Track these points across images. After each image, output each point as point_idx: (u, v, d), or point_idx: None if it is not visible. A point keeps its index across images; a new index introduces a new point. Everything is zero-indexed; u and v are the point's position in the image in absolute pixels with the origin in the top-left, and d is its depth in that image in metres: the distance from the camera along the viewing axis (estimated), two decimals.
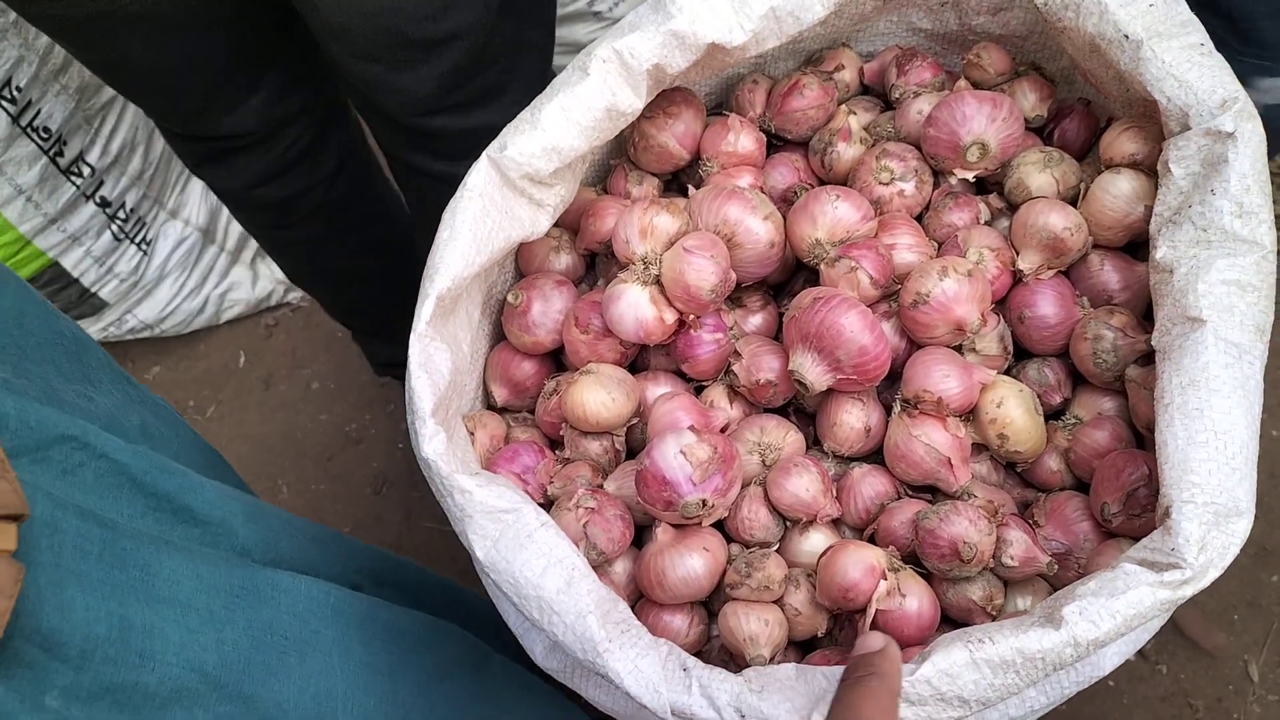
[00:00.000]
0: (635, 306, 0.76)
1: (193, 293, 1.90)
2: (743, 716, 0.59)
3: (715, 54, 0.76)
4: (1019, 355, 0.79)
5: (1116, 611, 0.58)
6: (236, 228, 1.94)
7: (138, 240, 1.78)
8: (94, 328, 1.85)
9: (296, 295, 2.00)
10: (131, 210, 1.75)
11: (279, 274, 1.99)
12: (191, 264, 1.88)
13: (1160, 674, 1.58)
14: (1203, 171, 0.68)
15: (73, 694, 0.54)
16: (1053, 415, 0.78)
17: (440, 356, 0.67)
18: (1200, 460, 0.61)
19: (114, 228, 1.73)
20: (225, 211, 1.92)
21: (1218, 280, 0.65)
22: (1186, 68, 0.68)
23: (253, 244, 1.97)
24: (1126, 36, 0.69)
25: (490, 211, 0.71)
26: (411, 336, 0.67)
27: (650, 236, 0.77)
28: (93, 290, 1.77)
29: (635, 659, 0.61)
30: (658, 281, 0.77)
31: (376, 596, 0.83)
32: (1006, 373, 0.78)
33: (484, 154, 0.72)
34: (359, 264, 1.46)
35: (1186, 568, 0.59)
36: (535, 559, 0.63)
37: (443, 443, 0.64)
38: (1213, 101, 0.67)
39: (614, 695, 0.69)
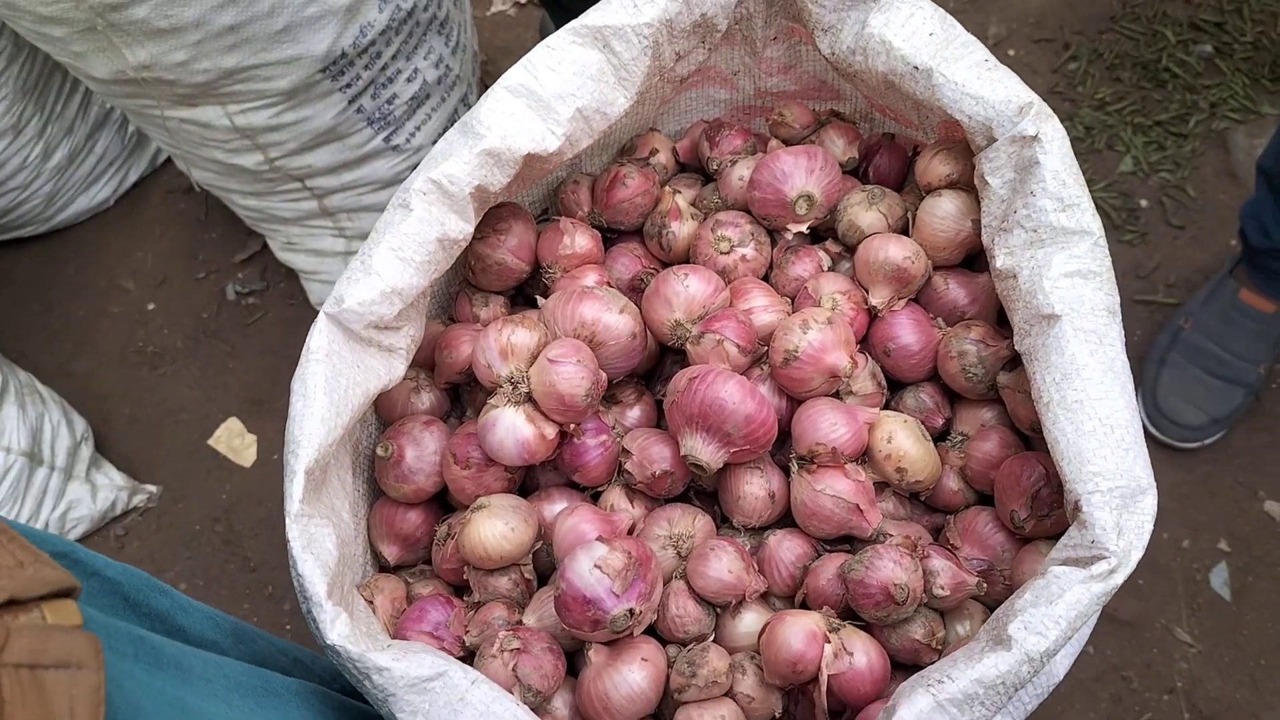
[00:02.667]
0: (513, 429, 0.74)
1: (31, 520, 1.77)
2: None
3: (534, 163, 0.75)
4: (893, 387, 0.80)
5: (1059, 617, 0.58)
6: (63, 443, 1.82)
7: None
8: None
9: (142, 498, 1.89)
10: None
11: (119, 480, 1.87)
12: (22, 491, 1.75)
13: (1088, 654, 1.61)
14: (1018, 177, 0.71)
15: None
16: (939, 437, 0.79)
17: (323, 534, 0.63)
18: (1094, 449, 0.62)
19: None
20: (47, 428, 1.80)
21: (1060, 274, 0.67)
22: (979, 84, 0.71)
23: (84, 455, 1.85)
24: (916, 68, 0.72)
25: (341, 370, 0.67)
26: (287, 520, 0.62)
27: (512, 355, 0.75)
28: None
29: None
30: (530, 399, 0.74)
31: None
32: (886, 406, 0.79)
33: (321, 312, 0.69)
34: None
35: (1111, 556, 0.60)
36: None
37: (346, 624, 0.60)
38: (1010, 110, 0.70)
39: None
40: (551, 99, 0.74)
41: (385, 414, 0.84)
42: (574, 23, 0.75)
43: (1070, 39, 2.12)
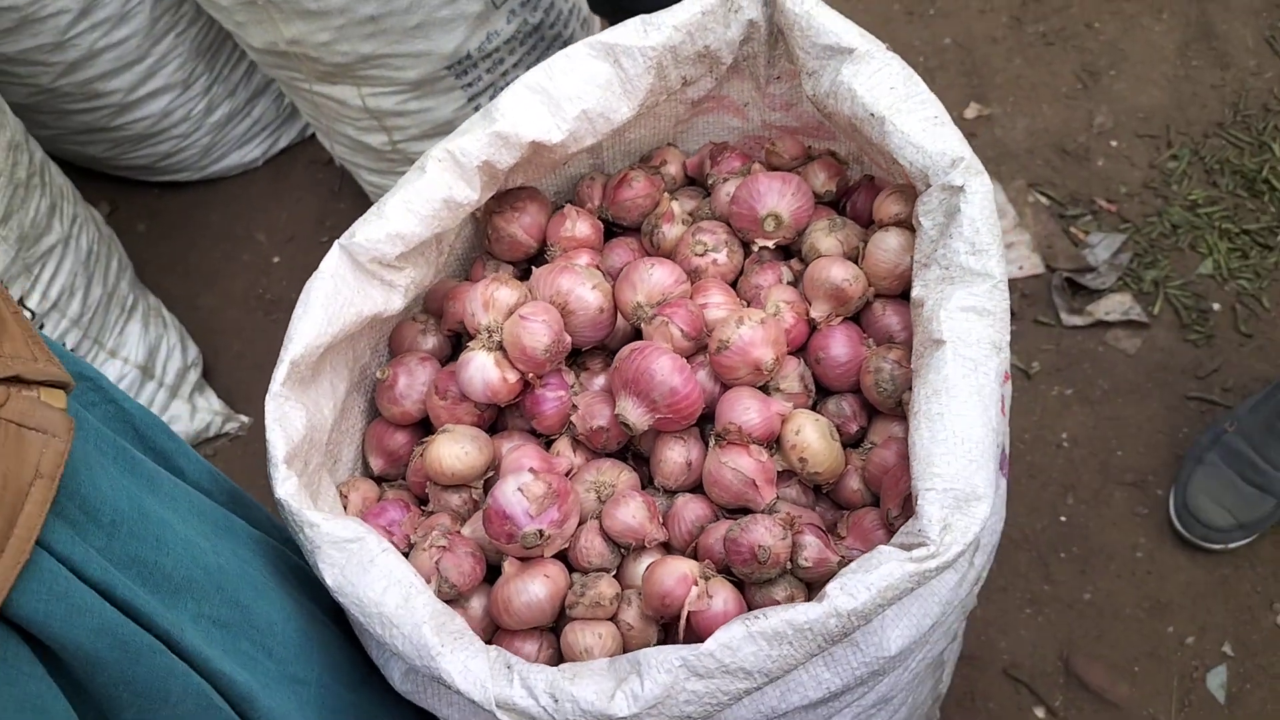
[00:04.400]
0: (482, 370, 0.87)
1: None
2: (555, 700, 0.68)
3: (540, 151, 0.88)
4: (821, 393, 0.90)
5: (871, 584, 0.68)
6: (174, 364, 2.04)
7: None
8: None
9: (234, 425, 2.10)
10: (71, 351, 1.85)
11: (216, 406, 2.09)
12: None
13: None
14: (945, 221, 0.80)
15: (107, 555, 0.61)
16: (854, 443, 0.89)
17: (295, 414, 0.78)
18: (940, 455, 0.71)
19: None
20: (163, 349, 2.03)
21: (956, 308, 0.77)
22: (922, 136, 0.81)
23: (190, 378, 2.08)
24: (873, 114, 0.83)
25: (341, 290, 0.82)
26: (267, 397, 0.77)
27: (492, 308, 0.88)
28: None
29: (465, 661, 0.70)
30: (501, 347, 0.87)
31: None
32: (811, 409, 0.89)
33: (335, 242, 0.84)
34: None
35: (930, 544, 0.69)
36: (377, 580, 0.72)
37: (295, 486, 0.74)
38: (944, 162, 0.80)
39: (458, 706, 0.77)
40: (562, 99, 0.87)
41: (395, 347, 0.99)
42: (592, 38, 0.88)
43: (1174, 138, 2.15)
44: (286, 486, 0.74)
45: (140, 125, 2.20)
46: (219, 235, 2.40)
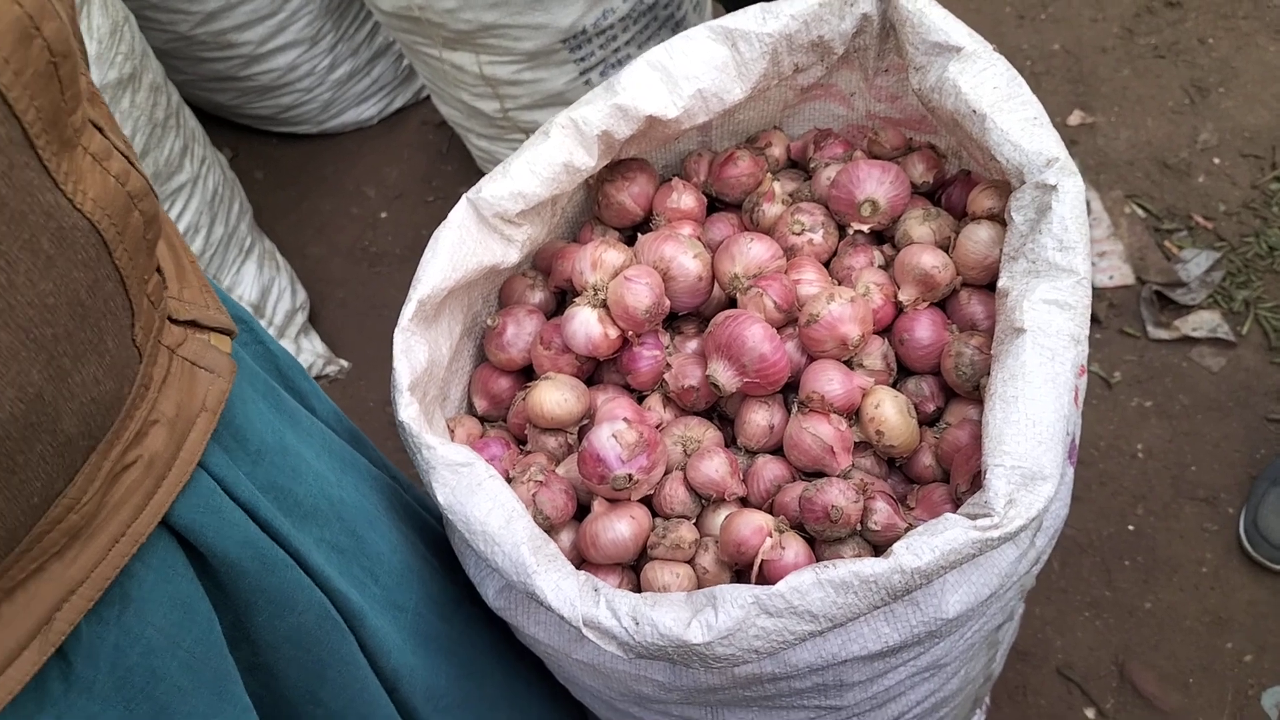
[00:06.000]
0: (586, 324, 0.94)
1: None
2: (636, 623, 0.74)
3: (655, 125, 0.95)
4: (902, 373, 0.95)
5: (935, 547, 0.73)
6: (284, 305, 2.15)
7: None
8: None
9: (334, 368, 2.20)
10: None
11: (320, 348, 2.20)
12: None
13: None
14: (1036, 217, 0.85)
15: (252, 479, 0.70)
16: (930, 422, 0.94)
17: (419, 348, 0.85)
18: (1011, 435, 0.76)
19: None
20: (275, 290, 2.14)
21: (1039, 299, 0.81)
22: (1020, 135, 0.86)
23: (297, 320, 2.19)
24: (975, 111, 0.87)
25: (465, 240, 0.89)
26: (396, 331, 0.85)
27: (599, 268, 0.94)
28: None
29: (558, 581, 0.77)
30: (604, 305, 0.94)
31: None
32: (892, 386, 0.94)
33: (463, 195, 0.91)
34: None
35: (996, 515, 0.74)
36: (483, 502, 0.79)
37: (416, 411, 0.82)
38: (1040, 161, 0.84)
39: (545, 625, 0.84)
40: (680, 77, 0.93)
41: (505, 299, 1.06)
42: (712, 22, 0.94)
43: (1279, 160, 2.14)
44: (409, 411, 0.82)
45: (267, 77, 2.31)
46: (331, 188, 2.51)
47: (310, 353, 2.19)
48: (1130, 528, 1.83)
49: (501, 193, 0.91)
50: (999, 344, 0.83)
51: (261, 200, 2.46)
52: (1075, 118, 2.28)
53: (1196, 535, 1.81)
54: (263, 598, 0.68)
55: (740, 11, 0.94)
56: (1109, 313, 2.04)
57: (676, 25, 2.05)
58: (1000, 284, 0.85)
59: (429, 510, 1.07)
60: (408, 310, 0.85)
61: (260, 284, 2.11)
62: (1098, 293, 2.05)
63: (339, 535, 0.78)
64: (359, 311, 2.31)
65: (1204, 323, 1.99)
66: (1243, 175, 2.14)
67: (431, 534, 0.99)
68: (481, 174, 2.38)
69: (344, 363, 2.22)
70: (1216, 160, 2.17)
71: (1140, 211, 2.14)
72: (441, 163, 2.49)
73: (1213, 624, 1.73)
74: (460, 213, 0.90)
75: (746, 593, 0.75)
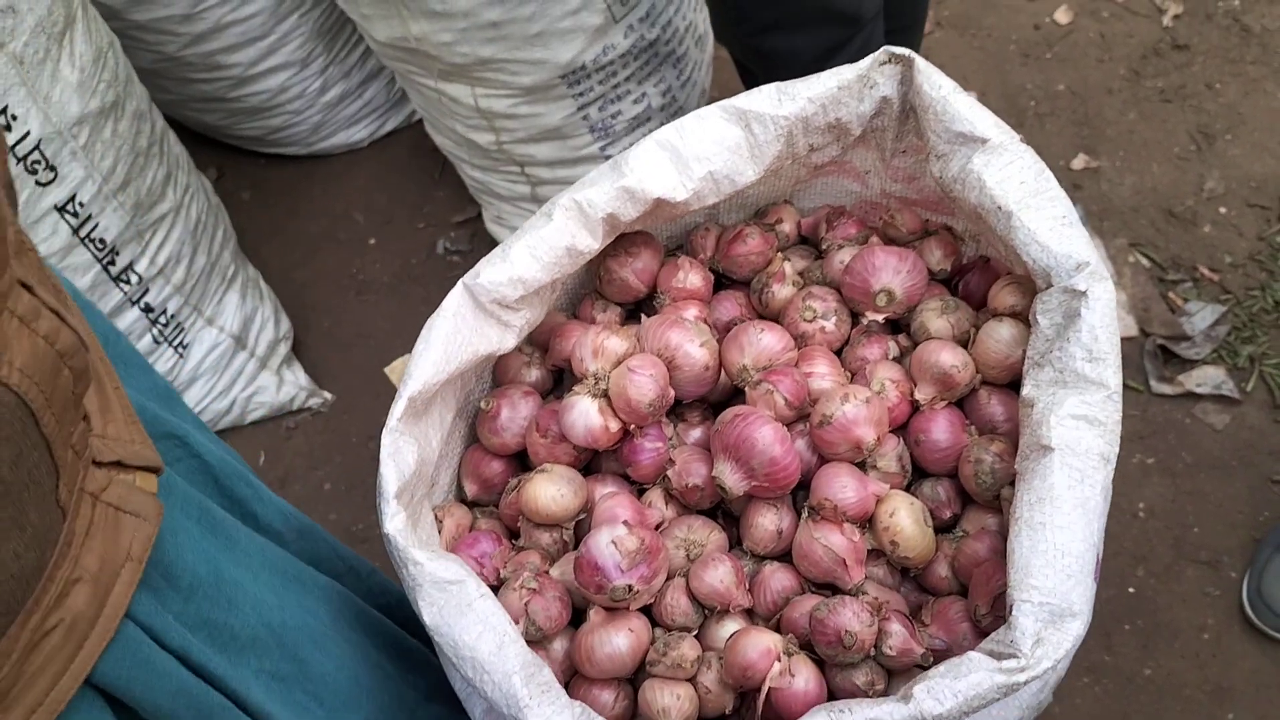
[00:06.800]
0: (585, 415, 0.89)
1: (221, 394, 2.05)
2: None
3: (663, 207, 0.90)
4: (917, 474, 0.91)
5: (959, 691, 0.68)
6: (266, 336, 2.09)
7: (175, 344, 1.94)
8: None
9: (317, 401, 2.15)
10: (172, 316, 1.91)
11: (303, 380, 2.14)
12: (223, 368, 2.03)
13: None
14: (1064, 322, 0.80)
15: (182, 620, 0.66)
16: (945, 528, 0.89)
17: (408, 449, 0.80)
18: (1040, 567, 0.72)
19: (154, 332, 1.89)
20: (257, 320, 2.08)
21: (1068, 415, 0.77)
22: (1049, 236, 0.81)
23: (280, 351, 2.13)
24: (1000, 208, 0.83)
25: (461, 329, 0.84)
26: (384, 431, 0.79)
27: (601, 356, 0.89)
28: None
29: (551, 715, 0.72)
30: (605, 395, 0.89)
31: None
32: (906, 489, 0.89)
33: (460, 281, 0.86)
34: None
35: (1022, 658, 0.69)
36: (473, 625, 0.74)
37: (403, 521, 0.76)
38: (1069, 265, 0.80)
39: None
40: (690, 158, 0.88)
41: (500, 377, 1.01)
42: (726, 101, 0.89)
43: None
44: (395, 523, 0.76)
45: (256, 99, 2.25)
46: (319, 211, 2.45)
47: (293, 384, 2.13)
48: (1131, 590, 1.79)
49: (500, 279, 0.85)
50: (1024, 459, 0.78)
51: (247, 222, 2.40)
52: (1079, 162, 2.24)
53: (1198, 600, 1.77)
54: None
55: (755, 91, 0.89)
56: None
57: (678, 61, 2.00)
58: (1025, 392, 0.81)
59: (390, 595, 1.02)
60: (396, 409, 0.80)
61: (243, 314, 2.05)
62: None
63: (280, 663, 0.75)
64: (344, 342, 2.25)
65: (1208, 378, 1.95)
66: (1249, 226, 2.11)
67: (388, 635, 0.94)
68: (474, 203, 2.33)
69: (327, 395, 2.16)
70: (1223, 209, 2.13)
71: (1144, 261, 2.10)
72: (434, 189, 2.44)
73: (1214, 693, 1.69)
74: (456, 300, 0.85)
75: None
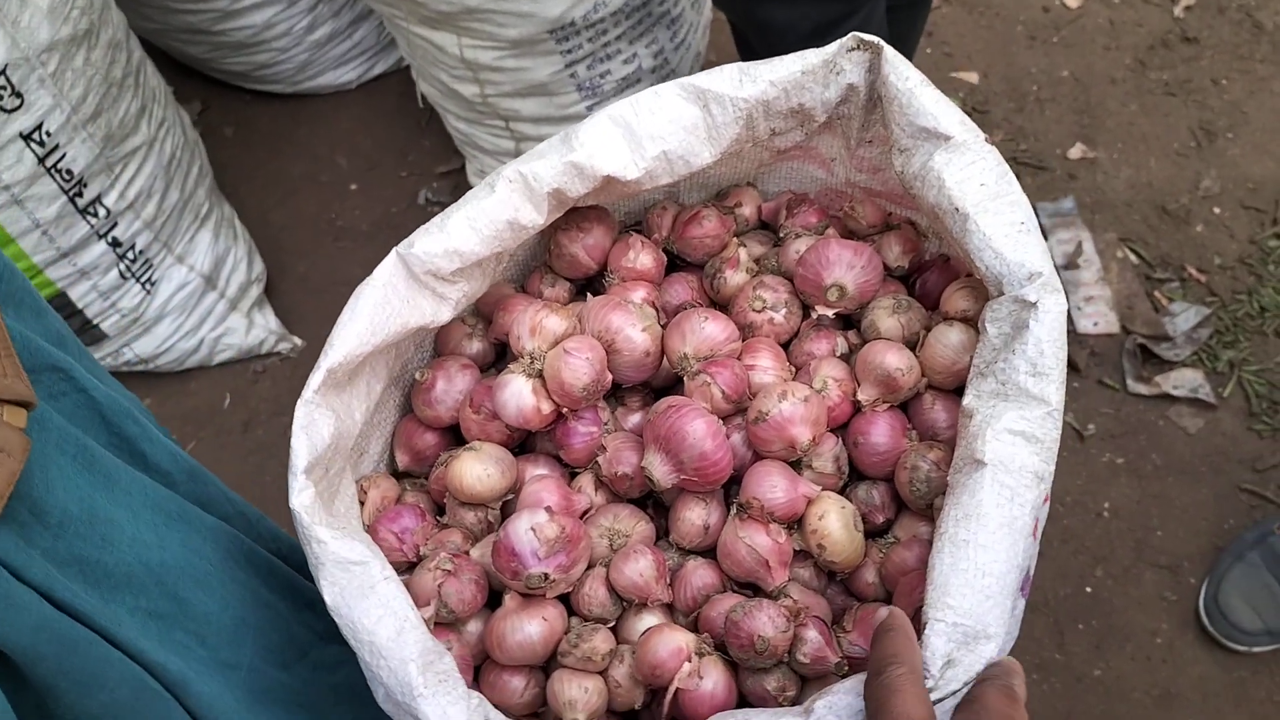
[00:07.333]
0: (518, 395, 0.86)
1: (189, 334, 2.03)
2: None
3: (613, 184, 0.87)
4: (855, 476, 0.88)
5: (859, 711, 0.66)
6: (238, 277, 2.07)
7: (143, 280, 1.91)
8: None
9: (286, 346, 2.12)
10: (140, 252, 1.88)
11: (273, 324, 2.11)
12: (191, 307, 2.01)
13: None
14: (1011, 333, 0.78)
15: (50, 556, 0.65)
16: (878, 533, 0.87)
17: (323, 422, 0.78)
18: (958, 586, 0.69)
19: (121, 266, 1.86)
20: (230, 260, 2.05)
21: (1004, 429, 0.74)
22: (1004, 242, 0.78)
23: (252, 293, 2.10)
24: (957, 209, 0.79)
25: (391, 300, 0.81)
26: (299, 403, 0.77)
27: (538, 335, 0.87)
28: (95, 322, 1.89)
29: (445, 706, 0.70)
30: (540, 375, 0.87)
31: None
32: (841, 491, 0.87)
33: (393, 250, 0.83)
34: None
35: (930, 679, 0.67)
36: (374, 608, 0.72)
37: (310, 497, 0.74)
38: (1021, 274, 0.77)
39: None
40: (644, 136, 0.85)
41: (440, 347, 0.98)
42: (684, 79, 0.86)
43: None
44: (301, 498, 0.74)
45: (241, 33, 2.20)
46: (302, 152, 2.41)
47: (263, 328, 2.11)
48: (1088, 590, 1.79)
49: (436, 250, 0.82)
50: (956, 472, 0.76)
51: (228, 159, 2.36)
52: (1077, 151, 2.20)
53: (1154, 603, 1.77)
54: (65, 680, 0.63)
55: (716, 71, 0.86)
56: (1090, 361, 1.97)
57: (672, 23, 1.96)
58: (965, 402, 0.78)
59: (281, 542, 1.00)
60: (313, 380, 0.78)
61: (215, 253, 2.02)
62: (1080, 339, 1.99)
63: (158, 601, 0.73)
64: (318, 287, 2.22)
65: (1185, 381, 1.93)
66: (1242, 228, 2.07)
67: (281, 577, 0.93)
68: (459, 155, 2.29)
69: (298, 340, 2.14)
70: (1216, 210, 2.10)
71: (1133, 257, 2.07)
72: (420, 137, 2.39)
73: (1161, 698, 1.69)
74: (388, 269, 0.82)
75: None
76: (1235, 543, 1.75)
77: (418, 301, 0.84)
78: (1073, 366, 1.96)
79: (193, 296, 1.99)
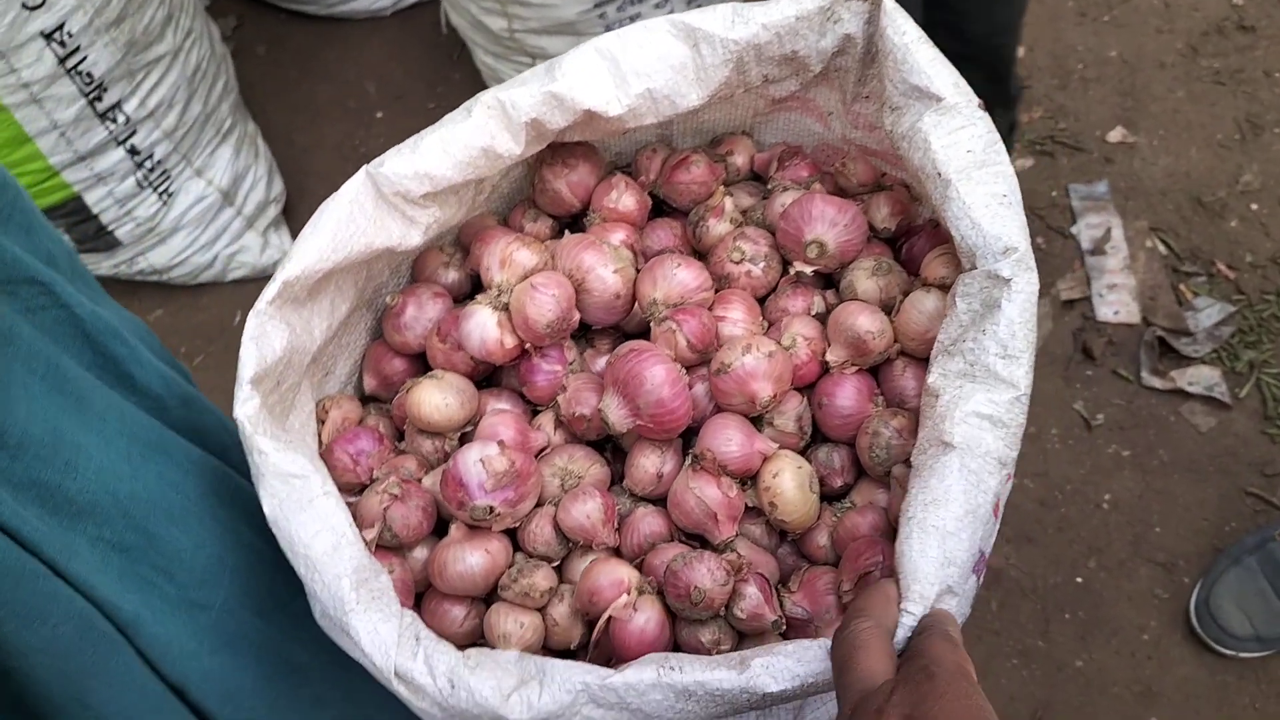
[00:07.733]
0: (482, 327, 0.85)
1: (204, 248, 2.03)
2: (452, 685, 0.68)
3: (595, 120, 0.85)
4: (818, 438, 0.87)
5: (797, 675, 0.65)
6: (256, 195, 2.07)
7: (160, 190, 1.91)
8: (106, 264, 1.98)
9: None
10: (159, 162, 1.88)
11: (288, 245, 2.11)
12: (207, 221, 2.01)
13: None
14: (981, 310, 0.75)
15: (6, 477, 0.63)
16: (835, 497, 0.85)
17: (276, 335, 0.77)
18: (926, 574, 0.67)
19: (139, 175, 1.86)
20: (249, 178, 2.05)
21: (972, 412, 0.72)
22: (982, 213, 0.75)
23: (269, 213, 2.10)
24: (940, 174, 0.77)
25: (357, 218, 0.80)
26: (250, 312, 0.76)
27: (508, 267, 0.86)
28: (109, 228, 1.90)
29: (376, 623, 0.70)
30: (506, 309, 0.85)
31: None
32: (802, 452, 0.85)
33: (363, 168, 0.82)
34: None
35: None
36: (311, 522, 0.72)
37: (255, 407, 0.74)
38: (997, 247, 0.74)
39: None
40: (629, 72, 0.83)
41: (417, 274, 0.97)
42: (676, 15, 0.83)
43: None
44: (245, 408, 0.74)
45: None
46: (331, 75, 2.40)
47: (278, 248, 2.11)
48: (1079, 580, 1.76)
49: (405, 170, 0.81)
50: (921, 453, 0.74)
51: (258, 77, 2.36)
52: (1116, 134, 2.14)
53: (1145, 600, 1.74)
54: (6, 610, 0.61)
55: (708, 9, 0.83)
56: (1106, 350, 1.93)
57: None
58: (930, 380, 0.76)
59: None
60: (268, 291, 0.77)
61: (234, 170, 2.02)
62: (1099, 327, 1.95)
63: (123, 533, 0.71)
64: None
65: (1202, 378, 1.89)
66: (1278, 227, 2.01)
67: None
68: (486, 89, 2.27)
69: None
70: (1254, 206, 2.03)
71: (1162, 247, 2.02)
72: (450, 69, 2.37)
73: (1142, 694, 1.67)
74: (355, 187, 0.81)
75: (579, 676, 0.68)
76: (1234, 546, 1.71)
77: (385, 222, 0.83)
78: (1088, 354, 1.92)
79: (209, 211, 2.00)
